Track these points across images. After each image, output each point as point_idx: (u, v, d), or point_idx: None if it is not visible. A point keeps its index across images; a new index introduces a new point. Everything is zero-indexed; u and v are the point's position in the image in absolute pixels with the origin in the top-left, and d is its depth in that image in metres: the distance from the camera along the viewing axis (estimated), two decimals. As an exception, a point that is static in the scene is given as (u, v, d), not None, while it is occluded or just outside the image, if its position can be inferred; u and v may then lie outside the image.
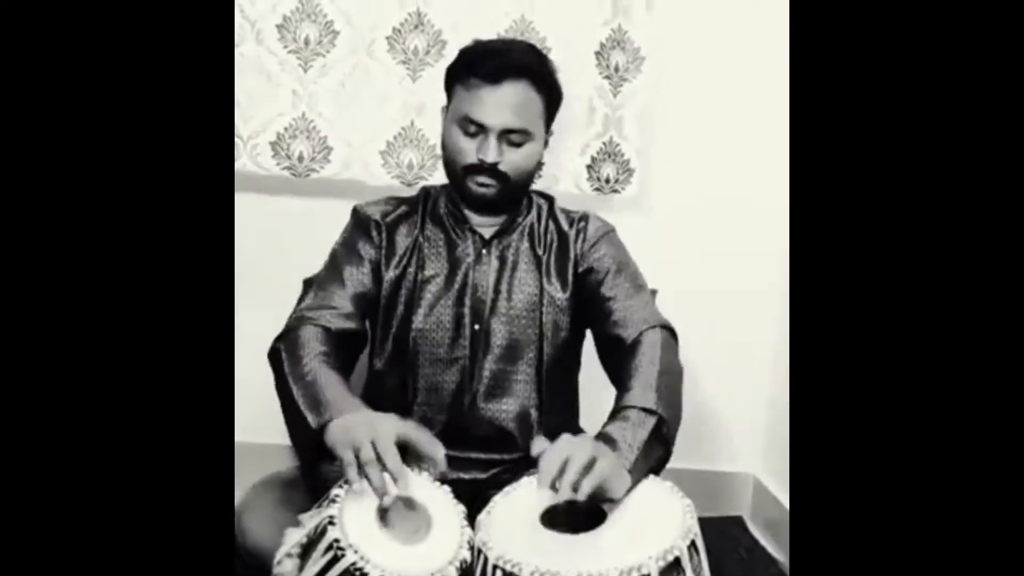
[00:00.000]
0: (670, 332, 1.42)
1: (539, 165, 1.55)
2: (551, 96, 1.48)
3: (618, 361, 1.39)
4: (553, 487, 1.12)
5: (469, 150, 1.43)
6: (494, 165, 1.42)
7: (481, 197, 1.46)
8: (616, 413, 1.29)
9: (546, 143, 1.52)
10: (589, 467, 1.12)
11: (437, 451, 1.20)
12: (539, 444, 1.18)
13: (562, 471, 1.12)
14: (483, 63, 1.43)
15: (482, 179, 1.44)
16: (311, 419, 1.24)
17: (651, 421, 1.26)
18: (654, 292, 1.49)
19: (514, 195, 1.49)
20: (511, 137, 1.42)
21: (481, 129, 1.42)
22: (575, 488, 1.11)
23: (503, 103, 1.41)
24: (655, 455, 1.26)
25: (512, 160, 1.43)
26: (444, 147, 1.48)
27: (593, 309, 1.48)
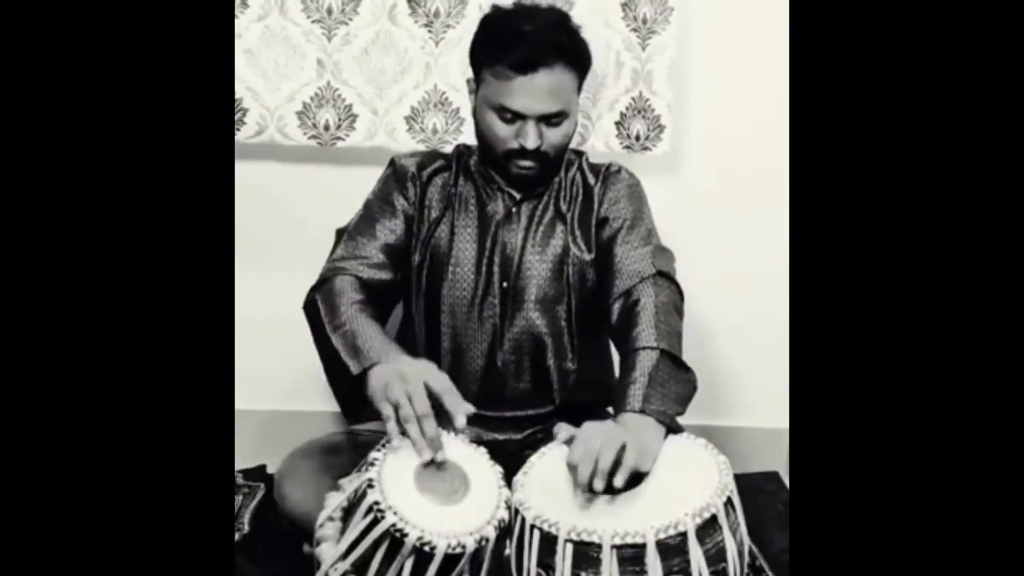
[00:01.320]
0: (666, 278, 1.42)
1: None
2: (583, 67, 1.46)
3: (617, 314, 1.41)
4: (590, 488, 1.13)
5: (508, 136, 1.42)
6: (536, 148, 1.41)
7: (523, 179, 1.46)
8: (624, 357, 1.33)
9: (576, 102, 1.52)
10: (619, 457, 1.13)
11: (459, 408, 1.20)
12: (563, 432, 1.20)
13: (594, 463, 1.13)
14: (512, 50, 1.37)
15: (524, 163, 1.43)
16: (352, 366, 1.27)
17: (655, 355, 1.29)
18: (664, 249, 1.48)
19: (552, 169, 1.49)
20: (549, 120, 1.41)
21: (518, 116, 1.40)
22: (611, 482, 1.12)
23: (540, 91, 1.38)
24: (671, 387, 1.27)
25: (551, 140, 1.43)
26: (479, 129, 1.47)
27: (603, 261, 1.48)
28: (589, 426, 1.19)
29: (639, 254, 1.44)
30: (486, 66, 1.42)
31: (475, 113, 1.47)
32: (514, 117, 1.40)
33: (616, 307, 1.41)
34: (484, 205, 1.51)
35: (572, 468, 1.15)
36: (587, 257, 1.50)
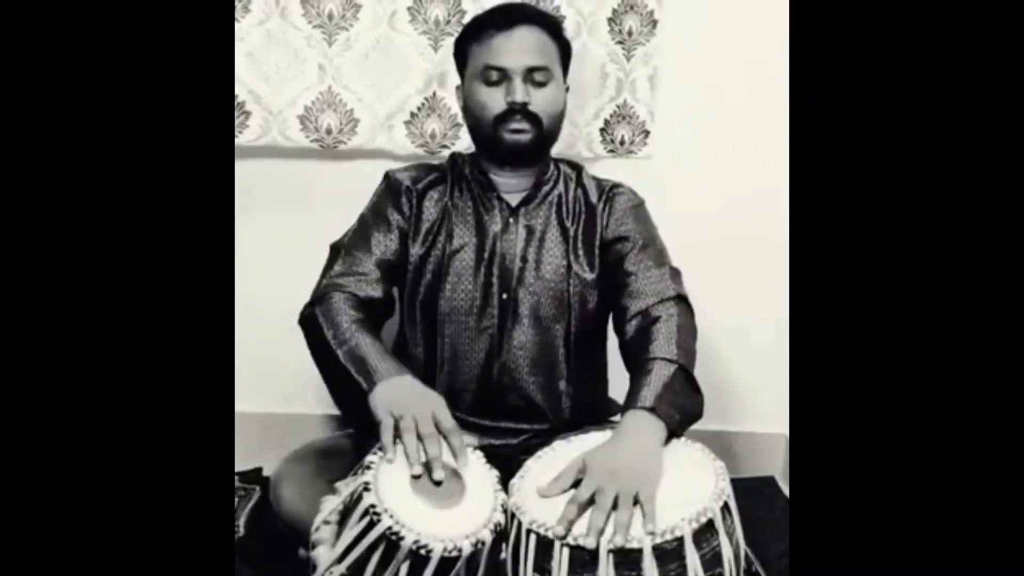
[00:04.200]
0: (684, 302, 1.42)
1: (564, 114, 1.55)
2: (563, 47, 1.51)
3: (634, 331, 1.39)
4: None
5: (496, 100, 1.44)
6: (524, 105, 1.43)
7: (516, 144, 1.45)
8: (640, 367, 1.31)
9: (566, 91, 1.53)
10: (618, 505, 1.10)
11: (464, 451, 1.22)
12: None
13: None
14: (493, 15, 1.47)
15: (515, 124, 1.44)
16: (364, 384, 1.27)
17: (672, 367, 1.28)
18: (677, 271, 1.47)
19: (546, 143, 1.50)
20: (535, 76, 1.44)
21: (504, 75, 1.43)
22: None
23: (521, 45, 1.43)
24: (682, 400, 1.27)
25: (540, 101, 1.44)
26: (469, 111, 1.49)
27: (613, 281, 1.48)
28: (592, 455, 1.17)
29: (656, 275, 1.44)
30: (471, 43, 1.48)
31: (464, 104, 1.51)
32: (500, 76, 1.43)
33: (633, 325, 1.40)
34: (481, 215, 1.51)
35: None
36: (589, 276, 1.49)
